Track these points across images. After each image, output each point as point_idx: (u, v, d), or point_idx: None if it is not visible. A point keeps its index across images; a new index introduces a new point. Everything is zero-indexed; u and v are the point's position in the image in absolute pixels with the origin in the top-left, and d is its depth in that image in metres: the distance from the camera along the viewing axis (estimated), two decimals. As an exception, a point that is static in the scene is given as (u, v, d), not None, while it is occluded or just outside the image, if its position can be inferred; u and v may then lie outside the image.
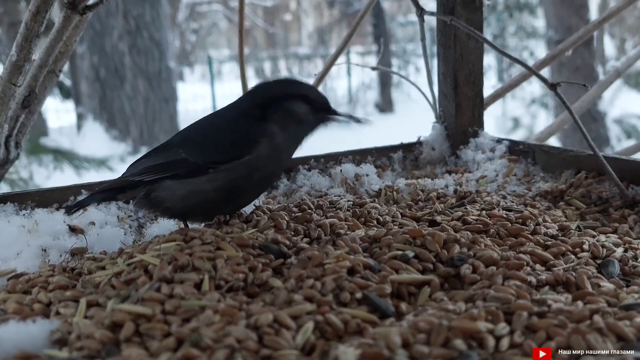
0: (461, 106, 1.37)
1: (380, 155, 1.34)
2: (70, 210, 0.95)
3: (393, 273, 0.75)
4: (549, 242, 0.87)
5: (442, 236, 0.82)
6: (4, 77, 1.03)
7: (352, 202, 1.03)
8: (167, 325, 0.66)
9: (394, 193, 1.12)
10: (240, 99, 0.99)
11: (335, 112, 0.95)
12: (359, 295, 0.70)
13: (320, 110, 0.94)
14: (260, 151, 0.89)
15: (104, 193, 0.94)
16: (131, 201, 0.99)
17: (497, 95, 1.56)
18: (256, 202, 1.12)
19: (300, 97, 0.92)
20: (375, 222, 0.95)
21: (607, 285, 0.74)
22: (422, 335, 0.61)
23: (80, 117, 8.09)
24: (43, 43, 1.04)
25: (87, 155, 3.93)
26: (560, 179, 1.18)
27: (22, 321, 0.70)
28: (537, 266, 0.79)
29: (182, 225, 0.97)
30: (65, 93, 6.21)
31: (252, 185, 0.93)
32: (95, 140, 7.27)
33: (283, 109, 0.91)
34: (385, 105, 10.86)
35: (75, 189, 1.11)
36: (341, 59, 1.57)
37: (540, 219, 0.96)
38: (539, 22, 8.48)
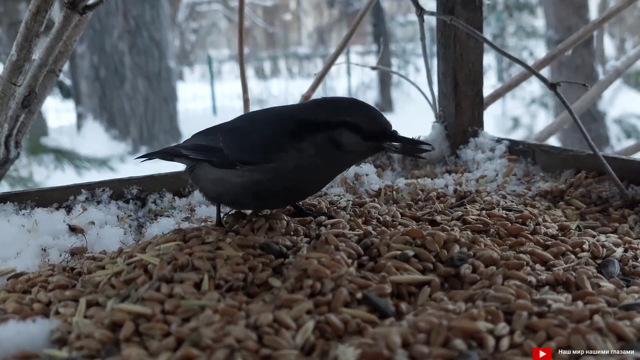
0: (461, 106, 1.37)
1: (380, 155, 1.34)
2: (139, 158, 1.07)
3: (393, 273, 0.75)
4: (549, 242, 0.87)
5: (442, 236, 0.82)
6: (4, 76, 1.03)
7: (352, 202, 1.03)
8: (166, 325, 0.66)
9: (394, 193, 1.12)
10: (294, 107, 0.97)
11: (393, 138, 0.88)
12: (359, 295, 0.70)
13: (372, 139, 0.87)
14: (285, 162, 0.87)
15: (164, 154, 1.03)
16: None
17: (497, 95, 1.56)
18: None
19: (349, 126, 0.86)
20: (375, 221, 0.95)
21: (607, 285, 0.74)
22: (422, 335, 0.61)
23: (80, 117, 8.09)
24: (43, 43, 1.04)
25: (87, 154, 3.93)
26: (560, 179, 1.18)
27: (21, 321, 0.70)
28: (537, 266, 0.79)
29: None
30: (65, 93, 6.20)
31: (277, 193, 0.91)
32: (95, 139, 7.27)
33: (322, 137, 0.87)
34: (385, 104, 10.85)
35: (75, 189, 1.11)
36: (341, 58, 1.57)
37: (540, 219, 0.96)
38: (539, 22, 8.48)
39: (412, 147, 0.92)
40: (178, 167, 1.09)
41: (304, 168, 0.88)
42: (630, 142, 4.99)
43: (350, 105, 0.89)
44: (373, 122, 0.87)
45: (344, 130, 0.86)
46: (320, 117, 0.87)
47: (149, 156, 1.06)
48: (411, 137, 0.91)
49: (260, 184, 0.89)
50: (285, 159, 0.87)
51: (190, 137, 1.02)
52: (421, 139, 1.39)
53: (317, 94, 1.55)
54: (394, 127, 0.88)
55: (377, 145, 0.88)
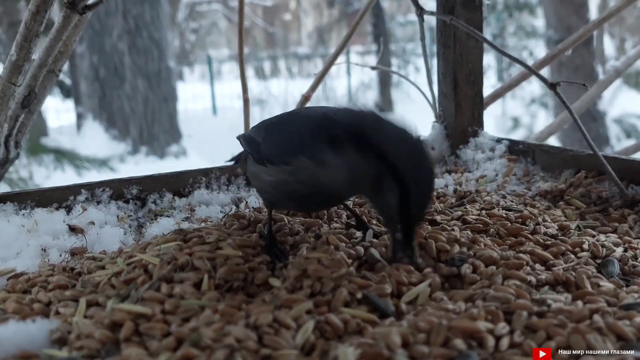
0: (461, 106, 1.37)
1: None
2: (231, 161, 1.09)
3: (393, 273, 0.75)
4: (549, 242, 0.87)
5: (442, 238, 0.82)
6: (4, 76, 1.03)
7: (351, 202, 1.03)
8: (166, 325, 0.66)
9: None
10: (335, 110, 0.81)
11: (407, 239, 0.74)
12: (359, 295, 0.70)
13: (403, 216, 0.72)
14: (301, 166, 0.79)
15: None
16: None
17: (497, 95, 1.56)
18: (255, 203, 1.12)
19: (399, 181, 0.70)
20: (375, 221, 0.95)
21: (606, 284, 0.74)
22: (421, 335, 0.61)
23: (80, 117, 8.09)
24: (43, 43, 1.04)
25: (87, 154, 3.93)
26: (560, 179, 1.18)
27: (21, 321, 0.70)
28: (537, 266, 0.80)
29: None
30: (65, 92, 6.20)
31: (306, 196, 0.82)
32: (95, 139, 7.26)
33: (366, 160, 0.72)
34: (385, 104, 10.85)
35: (75, 189, 1.11)
36: (341, 58, 1.57)
37: (540, 219, 0.96)
38: (539, 22, 8.48)
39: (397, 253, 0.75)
40: (178, 167, 1.09)
41: (327, 178, 0.77)
42: (630, 142, 4.99)
43: (422, 175, 0.71)
44: (418, 205, 0.71)
45: (390, 177, 0.71)
46: (378, 140, 0.71)
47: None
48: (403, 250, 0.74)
49: (285, 185, 0.83)
50: (302, 163, 0.78)
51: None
52: (421, 138, 1.39)
53: (317, 94, 1.55)
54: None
55: (395, 228, 0.74)
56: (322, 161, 0.76)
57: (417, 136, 0.73)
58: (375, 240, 0.85)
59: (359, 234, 0.89)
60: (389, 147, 0.71)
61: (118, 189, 1.13)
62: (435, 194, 1.10)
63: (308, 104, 1.57)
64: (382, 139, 0.71)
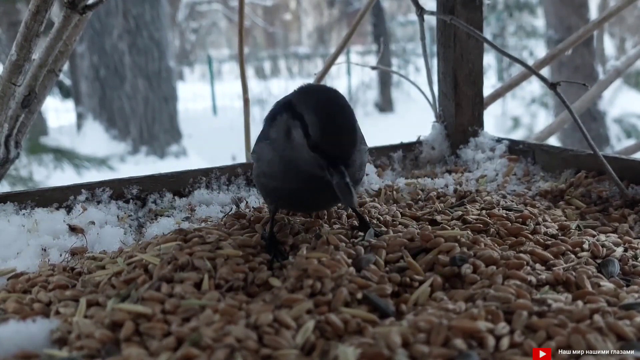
0: (461, 105, 1.37)
1: (380, 155, 1.34)
2: None
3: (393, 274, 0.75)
4: (549, 242, 0.87)
5: (442, 241, 0.82)
6: (4, 76, 1.03)
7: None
8: (167, 325, 0.66)
9: (394, 192, 1.12)
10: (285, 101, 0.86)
11: (334, 166, 0.74)
12: (359, 295, 0.70)
13: (319, 154, 0.75)
14: (260, 153, 0.87)
15: None
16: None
17: (497, 95, 1.56)
18: (255, 203, 1.12)
19: (302, 124, 0.76)
20: (375, 221, 0.95)
21: (607, 284, 0.74)
22: (422, 335, 0.61)
23: (80, 117, 8.09)
24: (43, 42, 1.04)
25: (87, 154, 3.93)
26: (560, 179, 1.18)
27: (22, 320, 0.70)
28: (537, 266, 0.79)
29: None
30: (65, 92, 6.21)
31: (274, 190, 0.87)
32: (95, 139, 7.27)
33: (285, 117, 0.80)
34: (385, 104, 10.86)
35: (75, 189, 1.11)
36: (341, 58, 1.57)
37: (540, 219, 0.96)
38: (539, 22, 8.48)
39: (340, 192, 0.73)
40: (178, 167, 1.09)
41: (274, 158, 0.83)
42: (630, 142, 4.99)
43: (317, 104, 0.76)
44: (323, 136, 0.74)
45: (298, 125, 0.77)
46: (294, 100, 0.79)
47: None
48: (346, 187, 0.73)
49: (259, 178, 0.89)
50: (260, 148, 0.87)
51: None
52: (421, 138, 1.39)
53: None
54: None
55: (319, 162, 0.75)
56: (269, 137, 0.83)
57: (330, 89, 0.80)
58: (375, 240, 0.85)
59: (360, 233, 0.89)
60: (295, 99, 0.79)
61: (118, 189, 1.13)
62: (435, 194, 1.10)
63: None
64: (294, 99, 0.79)
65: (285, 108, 0.80)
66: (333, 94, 0.78)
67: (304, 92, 0.81)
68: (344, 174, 0.73)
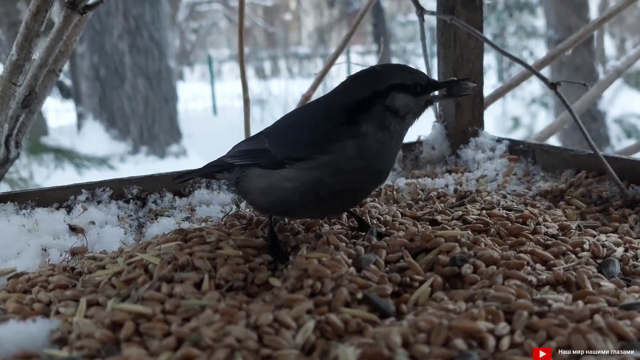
0: (461, 106, 1.37)
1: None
2: (177, 179, 1.05)
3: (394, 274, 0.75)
4: (549, 242, 0.87)
5: (442, 241, 0.82)
6: (4, 76, 1.03)
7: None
8: (167, 325, 0.66)
9: (394, 192, 1.12)
10: (331, 94, 0.88)
11: (436, 86, 0.86)
12: (359, 295, 0.70)
13: (421, 93, 0.85)
14: (343, 152, 0.80)
15: (204, 169, 0.97)
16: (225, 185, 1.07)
17: (497, 95, 1.56)
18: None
19: (397, 87, 0.83)
20: (375, 221, 0.95)
21: (607, 284, 0.74)
22: (422, 335, 0.61)
23: (80, 117, 8.09)
24: (43, 43, 1.04)
25: (88, 154, 3.93)
26: (560, 179, 1.18)
27: (22, 320, 0.70)
28: (538, 266, 0.79)
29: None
30: (66, 92, 6.20)
31: (339, 193, 0.83)
32: (96, 139, 7.27)
33: (379, 109, 0.82)
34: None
35: (76, 189, 1.11)
36: (341, 58, 1.57)
37: (540, 219, 0.95)
38: (539, 22, 8.49)
39: (457, 88, 0.86)
40: (178, 166, 1.09)
41: (372, 152, 0.82)
42: (631, 142, 4.99)
43: (387, 69, 0.85)
44: (416, 77, 0.84)
45: (395, 93, 0.82)
46: (367, 91, 0.83)
47: (187, 176, 1.05)
48: (450, 79, 0.88)
49: (317, 184, 0.81)
50: (342, 148, 0.80)
51: (230, 149, 0.96)
52: (421, 138, 1.39)
53: (318, 94, 1.55)
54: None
55: (427, 98, 0.85)
56: (369, 134, 0.82)
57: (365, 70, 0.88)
58: (375, 240, 0.85)
59: (361, 233, 0.89)
60: (366, 90, 0.84)
61: (118, 189, 1.13)
62: (436, 194, 1.10)
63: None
64: (357, 93, 0.84)
65: (365, 105, 0.82)
66: (380, 65, 0.88)
67: (363, 79, 0.86)
68: (447, 82, 0.88)
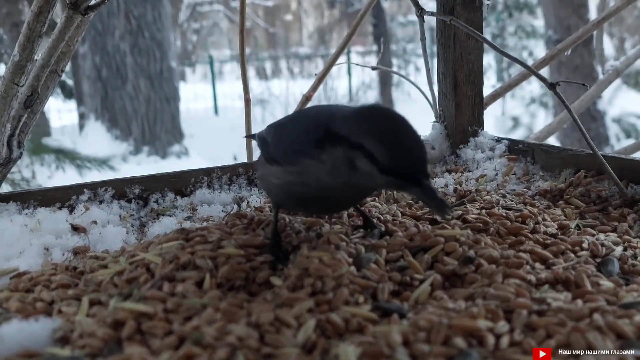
0: (461, 105, 1.37)
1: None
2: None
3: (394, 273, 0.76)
4: (549, 241, 0.87)
5: (442, 240, 0.82)
6: (7, 76, 1.04)
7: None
8: (168, 324, 0.66)
9: (394, 192, 1.12)
10: (336, 111, 0.82)
11: (418, 183, 0.70)
12: (361, 299, 0.70)
13: (393, 175, 0.71)
14: (305, 169, 0.80)
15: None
16: None
17: (497, 95, 1.56)
18: (257, 202, 1.12)
19: (365, 153, 0.72)
20: (375, 220, 0.95)
21: (606, 283, 0.74)
22: (422, 334, 0.61)
23: (82, 117, 8.10)
24: (45, 43, 1.04)
25: (89, 155, 3.94)
26: (559, 178, 1.18)
27: (24, 319, 0.70)
28: (537, 265, 0.80)
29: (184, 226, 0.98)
30: (67, 93, 6.21)
31: (311, 200, 0.84)
32: (97, 139, 7.28)
33: (341, 152, 0.75)
34: (385, 104, 10.85)
35: (78, 188, 1.11)
36: (342, 58, 1.58)
37: (539, 218, 0.96)
38: (538, 22, 8.49)
39: (434, 205, 0.71)
40: (180, 166, 1.10)
41: (323, 180, 0.79)
42: (630, 142, 4.99)
43: (375, 128, 0.72)
44: (392, 158, 0.71)
45: (360, 155, 0.72)
46: (344, 131, 0.75)
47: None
48: (437, 197, 0.70)
49: (292, 188, 0.83)
50: (305, 165, 0.79)
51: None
52: (422, 138, 1.39)
53: (318, 94, 1.56)
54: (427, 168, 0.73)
55: (397, 183, 0.72)
56: (325, 164, 0.77)
57: (371, 105, 0.77)
58: (377, 240, 0.85)
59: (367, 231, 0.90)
60: (344, 130, 0.75)
61: (120, 189, 1.13)
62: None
63: (309, 104, 1.58)
64: (344, 131, 0.75)
65: (336, 141, 0.75)
66: (379, 112, 0.75)
67: (350, 120, 0.76)
68: (431, 189, 0.70)
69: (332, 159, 0.76)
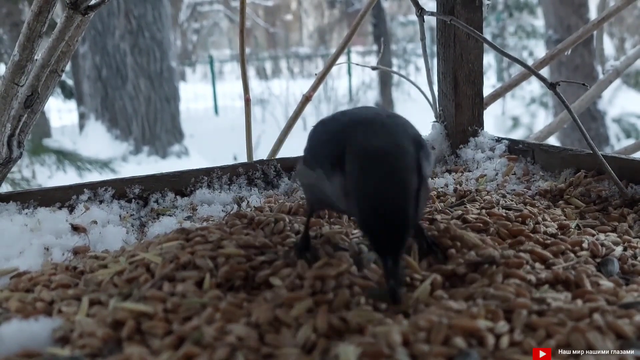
0: (461, 105, 1.37)
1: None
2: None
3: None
4: (549, 241, 0.87)
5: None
6: (7, 76, 1.04)
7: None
8: (168, 324, 0.66)
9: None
10: (357, 121, 0.76)
11: (380, 255, 0.65)
12: (362, 300, 0.70)
13: (365, 232, 0.68)
14: (322, 178, 0.76)
15: None
16: None
17: (497, 95, 1.56)
18: (257, 202, 1.12)
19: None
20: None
21: (606, 283, 0.74)
22: (422, 334, 0.61)
23: (82, 117, 8.11)
24: (45, 43, 1.04)
25: (89, 155, 3.94)
26: (559, 178, 1.18)
27: (24, 319, 0.70)
28: (537, 265, 0.80)
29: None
30: (68, 93, 6.21)
31: (334, 206, 0.81)
32: (97, 139, 7.29)
33: (341, 184, 0.70)
34: (385, 104, 10.85)
35: (78, 188, 1.11)
36: (342, 58, 1.57)
37: (539, 218, 0.96)
38: (539, 22, 8.49)
39: (388, 286, 0.66)
40: (180, 166, 1.10)
41: (332, 198, 0.75)
42: (630, 142, 4.99)
43: (369, 184, 0.65)
44: (366, 223, 0.65)
45: (351, 199, 0.68)
46: (348, 166, 0.69)
47: None
48: (393, 279, 0.65)
49: (314, 188, 0.81)
50: (321, 176, 0.76)
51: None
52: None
53: (319, 94, 1.56)
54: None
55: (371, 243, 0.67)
56: (331, 181, 0.73)
57: (387, 146, 0.68)
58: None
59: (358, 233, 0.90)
60: (349, 164, 0.68)
61: (120, 189, 1.13)
62: (435, 193, 1.10)
63: (309, 105, 1.58)
64: (348, 158, 0.69)
65: (342, 170, 0.70)
66: (382, 167, 0.66)
67: (356, 158, 0.68)
68: (392, 269, 0.64)
69: (336, 185, 0.71)
